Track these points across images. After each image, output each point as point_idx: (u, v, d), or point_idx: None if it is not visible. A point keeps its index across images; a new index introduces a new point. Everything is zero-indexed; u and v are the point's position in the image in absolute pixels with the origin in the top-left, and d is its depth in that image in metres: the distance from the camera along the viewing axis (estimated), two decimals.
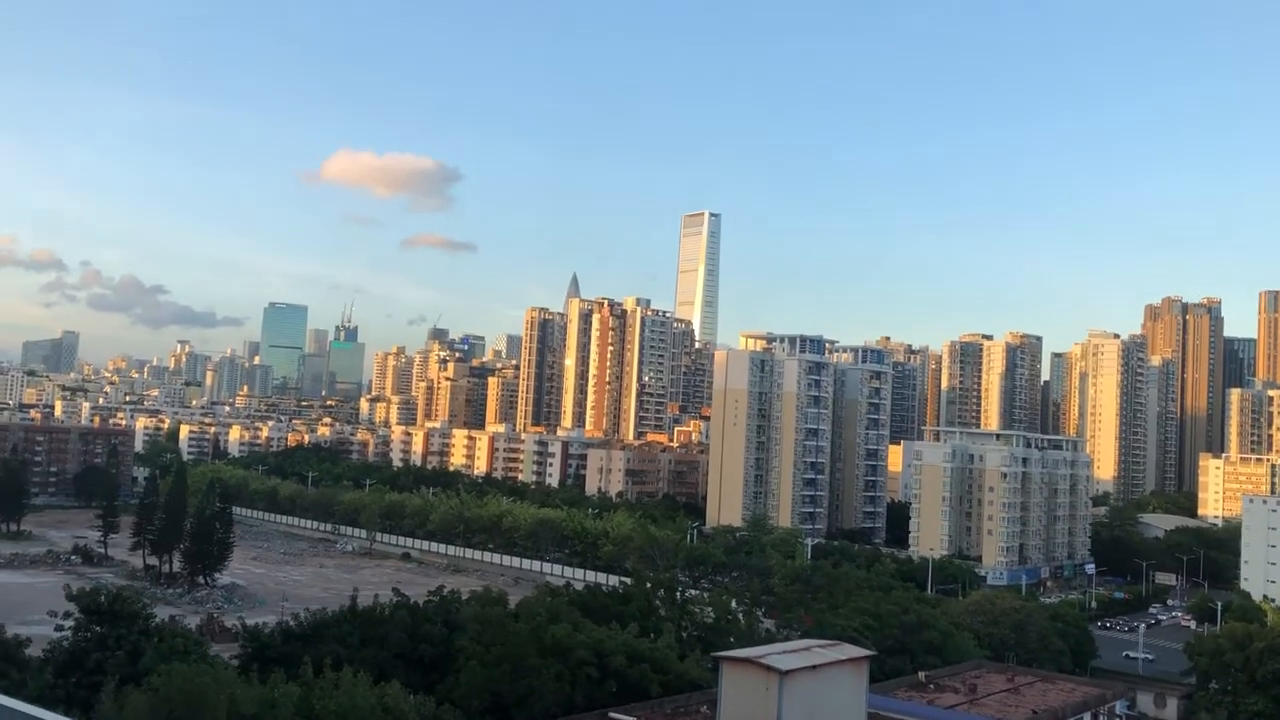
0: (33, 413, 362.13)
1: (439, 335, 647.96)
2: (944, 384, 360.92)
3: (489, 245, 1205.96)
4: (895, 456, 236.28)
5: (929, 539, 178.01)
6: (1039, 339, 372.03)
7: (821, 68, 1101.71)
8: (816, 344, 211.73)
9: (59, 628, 64.94)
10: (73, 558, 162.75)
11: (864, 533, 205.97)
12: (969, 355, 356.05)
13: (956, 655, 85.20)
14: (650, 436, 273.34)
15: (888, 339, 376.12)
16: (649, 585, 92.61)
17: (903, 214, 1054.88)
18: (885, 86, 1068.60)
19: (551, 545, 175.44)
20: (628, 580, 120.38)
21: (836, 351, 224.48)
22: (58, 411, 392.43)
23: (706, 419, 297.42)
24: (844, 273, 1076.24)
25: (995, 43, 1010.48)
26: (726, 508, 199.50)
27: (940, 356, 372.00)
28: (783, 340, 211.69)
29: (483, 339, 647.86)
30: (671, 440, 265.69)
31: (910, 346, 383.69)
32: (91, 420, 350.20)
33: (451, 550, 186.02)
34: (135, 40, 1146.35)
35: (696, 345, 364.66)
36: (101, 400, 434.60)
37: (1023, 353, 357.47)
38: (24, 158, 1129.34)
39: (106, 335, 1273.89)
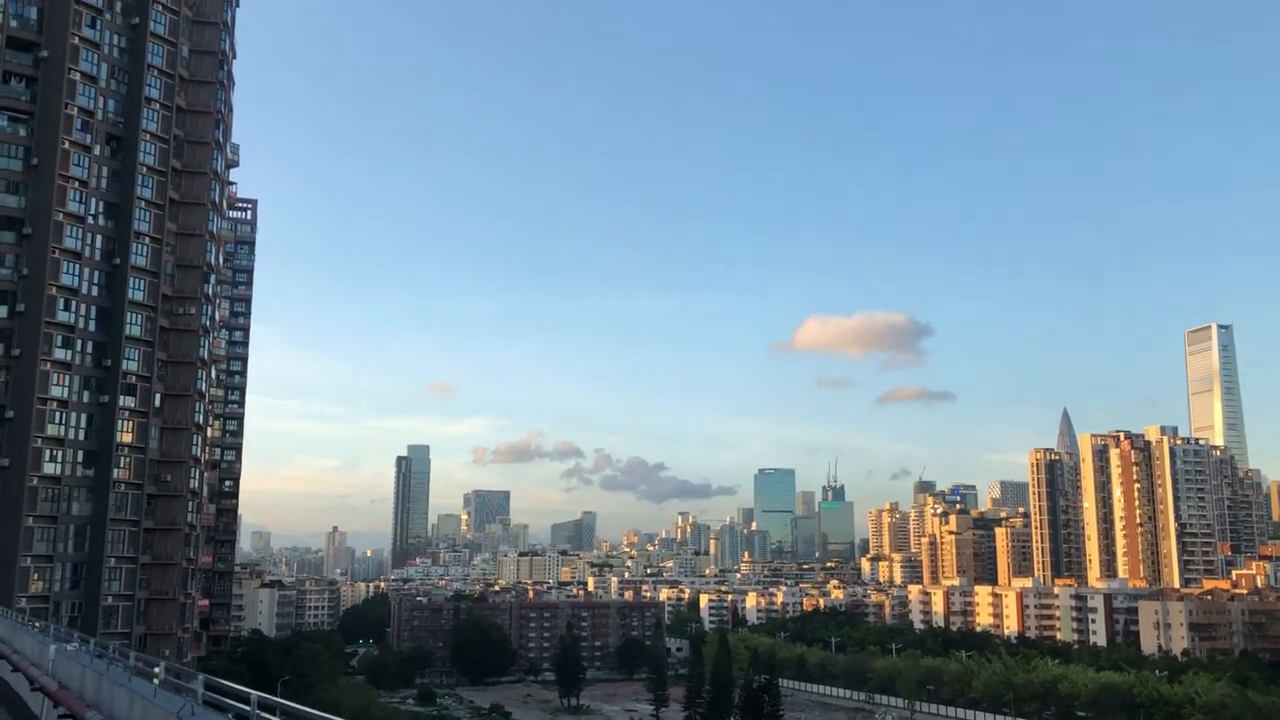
0: (574, 589, 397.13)
1: (926, 488, 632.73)
2: None
3: (966, 392, 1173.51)
4: None
5: None
6: None
7: None
8: None
9: None
10: None
11: None
12: None
13: None
14: (1207, 583, 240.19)
15: None
16: None
17: None
18: None
19: (1120, 714, 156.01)
20: None
21: None
22: (590, 587, 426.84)
23: (1267, 559, 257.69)
24: None
25: None
26: None
27: None
28: None
29: (973, 488, 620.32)
30: (1235, 585, 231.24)
31: None
32: (622, 594, 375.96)
33: None
34: (619, 247, 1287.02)
35: (1239, 474, 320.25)
36: (626, 575, 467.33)
37: None
38: (545, 361, 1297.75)
39: (617, 513, 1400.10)
